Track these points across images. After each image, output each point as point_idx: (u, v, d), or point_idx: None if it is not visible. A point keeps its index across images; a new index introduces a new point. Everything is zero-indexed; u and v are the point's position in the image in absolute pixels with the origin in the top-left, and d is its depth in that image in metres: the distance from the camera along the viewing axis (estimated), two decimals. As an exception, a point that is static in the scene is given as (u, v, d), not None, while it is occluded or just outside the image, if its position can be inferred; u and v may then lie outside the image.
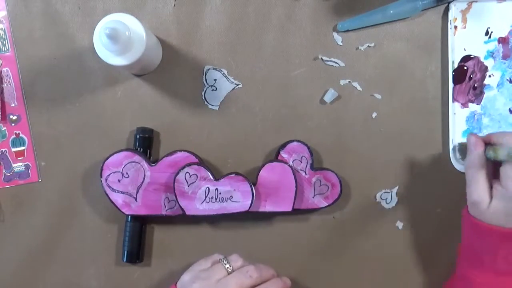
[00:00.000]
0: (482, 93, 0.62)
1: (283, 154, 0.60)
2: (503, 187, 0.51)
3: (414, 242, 0.62)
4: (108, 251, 0.62)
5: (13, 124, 0.61)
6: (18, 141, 0.61)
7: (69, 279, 0.62)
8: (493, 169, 0.54)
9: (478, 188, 0.52)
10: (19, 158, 0.61)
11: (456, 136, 0.61)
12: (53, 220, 0.61)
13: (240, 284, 0.53)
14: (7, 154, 0.61)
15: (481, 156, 0.53)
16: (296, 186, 0.58)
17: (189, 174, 0.57)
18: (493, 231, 0.51)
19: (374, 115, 0.62)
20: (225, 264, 0.54)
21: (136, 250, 0.60)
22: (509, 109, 0.62)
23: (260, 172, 0.59)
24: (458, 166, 0.61)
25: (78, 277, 0.62)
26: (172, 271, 0.62)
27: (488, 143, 0.54)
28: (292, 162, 0.59)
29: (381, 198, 0.62)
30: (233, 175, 0.58)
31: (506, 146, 0.51)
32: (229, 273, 0.54)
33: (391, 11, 0.60)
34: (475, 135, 0.55)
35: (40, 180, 0.61)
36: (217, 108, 0.61)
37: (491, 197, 0.52)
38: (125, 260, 0.60)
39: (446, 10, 0.61)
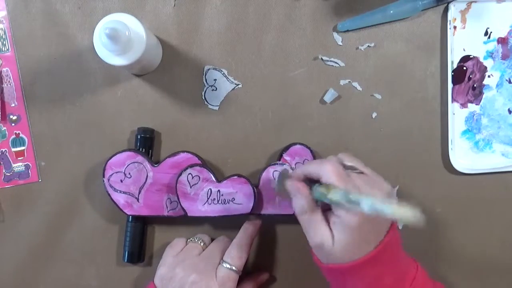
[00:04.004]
0: (481, 93, 0.62)
1: (286, 157, 0.60)
2: (338, 216, 0.47)
3: (414, 242, 0.62)
4: (108, 251, 0.62)
5: (13, 124, 0.61)
6: (18, 141, 0.61)
7: (69, 279, 0.62)
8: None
9: (317, 230, 0.48)
10: (19, 158, 0.61)
11: (456, 136, 0.61)
12: (53, 220, 0.61)
13: (222, 248, 0.55)
14: (7, 154, 0.61)
15: (309, 199, 0.48)
16: None
17: (192, 175, 0.57)
18: (350, 268, 0.47)
19: (374, 115, 0.62)
20: (197, 241, 0.56)
21: (137, 250, 0.60)
22: (508, 109, 0.62)
23: (262, 175, 0.59)
24: (458, 166, 0.61)
25: (78, 277, 0.62)
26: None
27: (309, 178, 0.50)
28: (295, 165, 0.59)
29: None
30: (235, 177, 0.58)
31: (338, 188, 0.46)
32: (204, 248, 0.56)
33: (391, 11, 0.60)
34: (292, 181, 0.50)
35: (40, 180, 0.61)
36: (217, 108, 0.62)
37: (332, 233, 0.47)
38: (125, 260, 0.60)
39: (446, 10, 0.61)
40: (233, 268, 0.54)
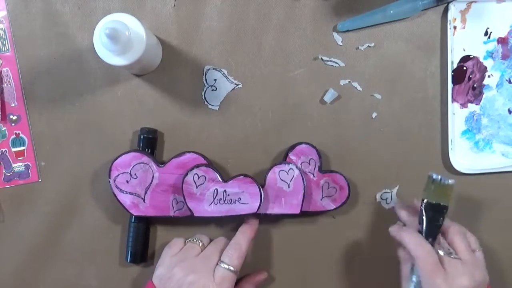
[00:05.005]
0: (481, 93, 0.62)
1: (291, 156, 0.60)
2: None
3: (414, 242, 0.62)
4: (108, 251, 0.62)
5: (13, 124, 0.61)
6: (18, 141, 0.61)
7: (69, 279, 0.62)
8: None
9: None
10: (19, 158, 0.61)
11: (456, 136, 0.62)
12: (53, 220, 0.61)
13: (221, 249, 0.56)
14: (7, 154, 0.61)
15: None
16: (304, 189, 0.58)
17: (198, 175, 0.57)
18: None
19: (374, 115, 0.62)
20: (195, 242, 0.56)
21: (140, 250, 0.60)
22: (508, 109, 0.62)
23: (268, 174, 0.59)
24: (457, 166, 0.61)
25: (78, 277, 0.62)
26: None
27: None
28: (300, 164, 0.59)
29: (381, 198, 0.62)
30: (241, 177, 0.58)
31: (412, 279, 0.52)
32: (202, 248, 0.56)
33: (391, 11, 0.60)
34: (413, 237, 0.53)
35: (40, 180, 0.61)
36: (217, 108, 0.62)
37: None
38: (128, 261, 0.60)
39: (446, 10, 0.61)
40: (231, 268, 0.54)
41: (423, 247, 0.51)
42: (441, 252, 0.51)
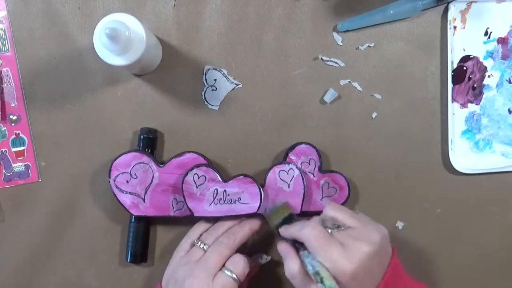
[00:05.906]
0: (481, 93, 0.62)
1: (291, 156, 0.60)
2: None
3: (414, 242, 0.62)
4: (108, 252, 0.62)
5: (13, 124, 0.61)
6: (18, 141, 0.61)
7: (69, 279, 0.62)
8: None
9: None
10: (19, 158, 0.61)
11: (456, 136, 0.62)
12: (53, 220, 0.61)
13: (219, 255, 0.53)
14: (7, 154, 0.61)
15: (299, 266, 0.49)
16: (304, 189, 0.58)
17: (198, 175, 0.57)
18: None
19: (374, 115, 0.62)
20: (200, 245, 0.55)
21: (140, 250, 0.60)
22: (508, 109, 0.62)
23: (268, 174, 0.59)
24: (457, 166, 0.61)
25: (78, 277, 0.62)
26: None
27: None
28: (301, 164, 0.59)
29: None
30: (241, 177, 0.58)
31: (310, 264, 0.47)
32: (205, 251, 0.54)
33: (391, 11, 0.60)
34: (282, 244, 0.52)
35: (40, 180, 0.61)
36: (217, 108, 0.62)
37: None
38: (128, 261, 0.60)
39: (446, 10, 0.61)
40: (234, 276, 0.52)
41: (305, 226, 0.48)
42: (329, 230, 0.49)
